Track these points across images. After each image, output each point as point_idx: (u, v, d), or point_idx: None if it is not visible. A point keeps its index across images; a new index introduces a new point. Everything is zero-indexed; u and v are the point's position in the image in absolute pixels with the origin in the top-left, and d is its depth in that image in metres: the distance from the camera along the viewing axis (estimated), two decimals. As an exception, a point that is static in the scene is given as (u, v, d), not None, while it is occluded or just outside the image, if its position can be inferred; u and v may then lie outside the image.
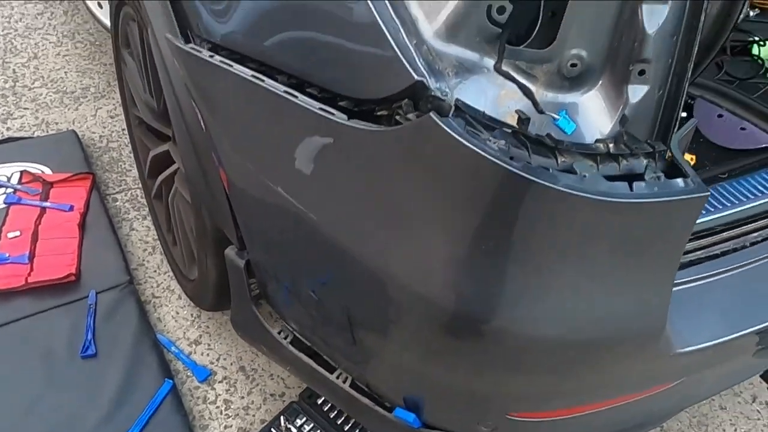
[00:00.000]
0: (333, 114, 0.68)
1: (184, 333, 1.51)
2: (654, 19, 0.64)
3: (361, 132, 0.66)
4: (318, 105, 0.70)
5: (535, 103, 0.63)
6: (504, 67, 0.68)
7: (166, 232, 1.57)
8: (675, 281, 0.86)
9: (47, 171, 1.74)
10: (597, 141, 0.64)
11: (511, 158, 0.59)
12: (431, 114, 0.59)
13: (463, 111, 0.63)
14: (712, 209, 0.95)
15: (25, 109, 2.01)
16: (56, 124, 1.97)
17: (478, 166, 0.59)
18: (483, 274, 0.66)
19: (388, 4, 0.65)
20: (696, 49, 0.67)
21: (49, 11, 2.39)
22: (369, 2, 0.64)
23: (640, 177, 0.61)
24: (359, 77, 0.69)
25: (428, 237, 0.67)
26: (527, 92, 0.63)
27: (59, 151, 1.80)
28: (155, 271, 1.63)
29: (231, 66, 0.76)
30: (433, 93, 0.64)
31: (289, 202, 0.79)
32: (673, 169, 0.62)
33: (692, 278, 0.88)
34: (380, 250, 0.72)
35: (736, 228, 0.96)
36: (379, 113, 0.70)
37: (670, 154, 0.63)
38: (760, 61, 1.31)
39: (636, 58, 0.66)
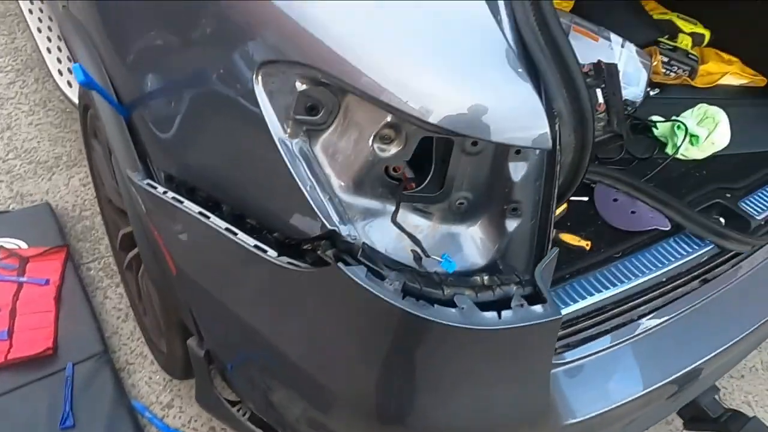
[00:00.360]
0: (266, 251, 0.83)
1: (157, 397, 1.63)
2: (518, 171, 0.80)
3: (288, 270, 0.81)
4: (253, 242, 0.84)
5: (422, 249, 0.78)
6: (403, 209, 0.83)
7: (137, 302, 1.69)
8: (569, 359, 1.03)
9: (23, 245, 1.85)
10: (475, 272, 0.80)
11: (405, 296, 0.74)
12: (339, 264, 0.74)
13: (367, 253, 0.78)
14: (603, 289, 1.11)
15: (0, 181, 2.12)
16: (30, 195, 2.08)
17: (378, 305, 0.74)
18: (393, 383, 0.81)
19: (304, 165, 0.80)
20: (556, 189, 0.83)
21: (20, 80, 2.50)
22: (287, 163, 0.79)
23: (509, 304, 0.76)
24: (286, 221, 0.83)
25: (348, 352, 0.82)
26: (415, 241, 0.79)
27: (34, 224, 1.91)
28: (129, 338, 1.75)
29: (181, 203, 0.91)
30: (344, 238, 0.79)
31: (236, 314, 0.94)
32: (536, 296, 0.78)
33: (585, 355, 1.04)
34: (314, 360, 0.87)
35: (625, 303, 1.12)
36: (304, 247, 0.84)
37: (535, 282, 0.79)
38: (660, 139, 1.49)
39: (509, 199, 0.82)
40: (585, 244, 1.15)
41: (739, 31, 1.84)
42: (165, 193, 0.93)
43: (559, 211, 1.17)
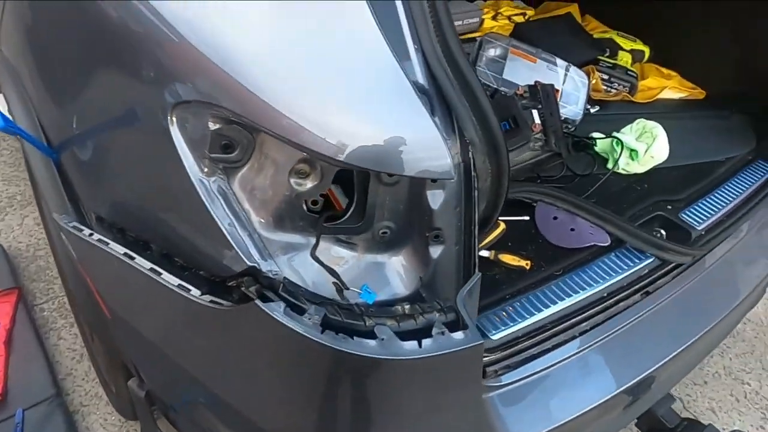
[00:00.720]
0: (189, 290, 0.82)
1: (113, 439, 1.59)
2: (436, 199, 0.81)
3: (212, 309, 0.80)
4: (177, 282, 0.83)
5: (342, 283, 0.79)
6: (326, 241, 0.83)
7: (90, 342, 1.65)
8: (510, 380, 1.03)
9: (-27, 289, 1.81)
10: (398, 302, 0.80)
11: (325, 329, 0.74)
12: (256, 301, 0.74)
13: (288, 288, 0.78)
14: (544, 308, 1.12)
15: (-49, 224, 2.08)
16: (-18, 237, 2.04)
17: (297, 339, 0.73)
18: (322, 418, 0.80)
19: (222, 202, 0.79)
20: (476, 214, 0.84)
21: (-27, 120, 2.47)
22: (205, 202, 0.79)
23: (430, 333, 0.77)
24: (210, 259, 0.83)
25: (275, 390, 0.82)
26: (334, 274, 0.79)
27: (-15, 267, 1.87)
28: (83, 379, 1.71)
29: (107, 244, 0.90)
30: (265, 274, 0.78)
31: (169, 355, 0.92)
32: (458, 322, 0.78)
33: (527, 375, 1.04)
34: (244, 399, 0.86)
35: (567, 321, 1.13)
36: (229, 284, 0.84)
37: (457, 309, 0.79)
38: (601, 155, 1.52)
39: (430, 227, 0.83)
40: (525, 263, 1.17)
41: (677, 45, 1.90)
42: (91, 235, 0.92)
43: (497, 232, 1.19)
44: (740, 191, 1.56)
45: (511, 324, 1.08)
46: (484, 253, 1.17)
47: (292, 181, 0.79)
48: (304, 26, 0.72)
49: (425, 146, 0.69)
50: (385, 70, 0.69)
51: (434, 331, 0.76)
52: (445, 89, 0.76)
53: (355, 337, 0.74)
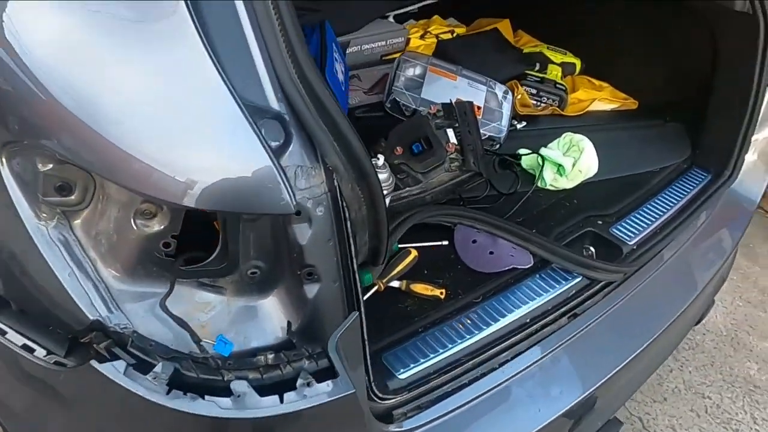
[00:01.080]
0: (33, 351, 0.74)
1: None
2: (303, 233, 0.73)
3: (53, 370, 0.72)
4: (21, 341, 0.75)
5: (192, 334, 0.71)
6: (188, 286, 0.76)
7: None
8: (419, 423, 0.95)
9: None
10: (261, 351, 0.72)
11: (172, 389, 0.66)
12: (92, 361, 0.66)
13: (137, 343, 0.70)
14: (459, 340, 1.05)
15: None
16: None
17: (140, 402, 0.65)
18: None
19: (62, 250, 0.72)
20: (353, 247, 0.77)
21: None
22: (41, 250, 0.71)
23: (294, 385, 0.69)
24: (61, 314, 0.74)
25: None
26: (183, 324, 0.71)
27: None
28: (-2, 440, 1.59)
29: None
30: (112, 328, 0.70)
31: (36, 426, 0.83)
32: (332, 370, 0.70)
33: (441, 414, 0.96)
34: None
35: (485, 352, 1.06)
36: (82, 340, 0.76)
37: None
38: (529, 171, 1.47)
39: (301, 264, 0.75)
40: (440, 292, 1.09)
41: (608, 56, 1.88)
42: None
43: (408, 260, 1.11)
44: (674, 202, 1.51)
45: (423, 360, 1.00)
46: (395, 284, 1.10)
47: (138, 222, 0.71)
48: (131, 54, 0.66)
49: (262, 181, 0.62)
50: (218, 104, 0.62)
51: (299, 382, 0.68)
52: (302, 114, 0.70)
53: (206, 396, 0.66)
